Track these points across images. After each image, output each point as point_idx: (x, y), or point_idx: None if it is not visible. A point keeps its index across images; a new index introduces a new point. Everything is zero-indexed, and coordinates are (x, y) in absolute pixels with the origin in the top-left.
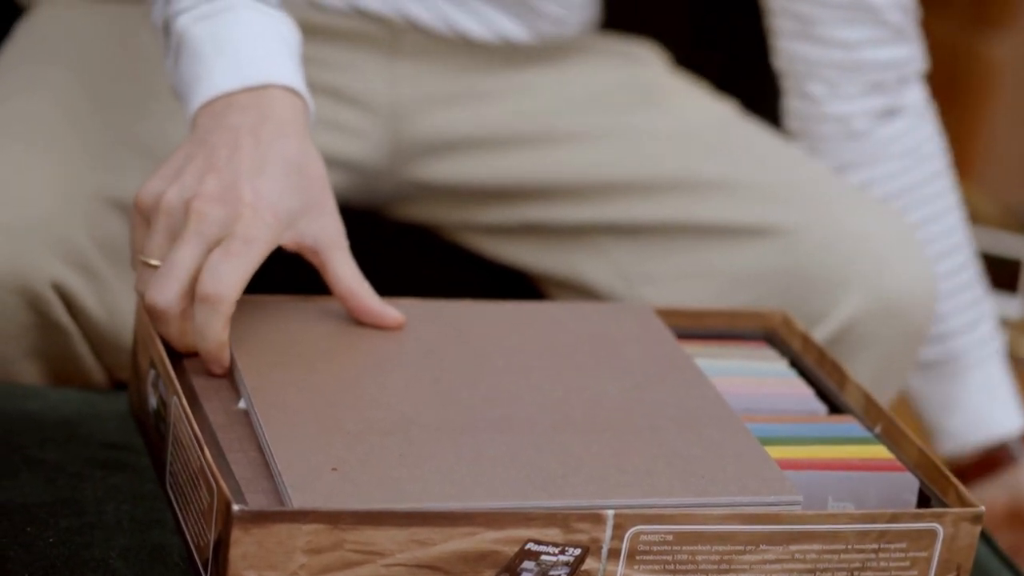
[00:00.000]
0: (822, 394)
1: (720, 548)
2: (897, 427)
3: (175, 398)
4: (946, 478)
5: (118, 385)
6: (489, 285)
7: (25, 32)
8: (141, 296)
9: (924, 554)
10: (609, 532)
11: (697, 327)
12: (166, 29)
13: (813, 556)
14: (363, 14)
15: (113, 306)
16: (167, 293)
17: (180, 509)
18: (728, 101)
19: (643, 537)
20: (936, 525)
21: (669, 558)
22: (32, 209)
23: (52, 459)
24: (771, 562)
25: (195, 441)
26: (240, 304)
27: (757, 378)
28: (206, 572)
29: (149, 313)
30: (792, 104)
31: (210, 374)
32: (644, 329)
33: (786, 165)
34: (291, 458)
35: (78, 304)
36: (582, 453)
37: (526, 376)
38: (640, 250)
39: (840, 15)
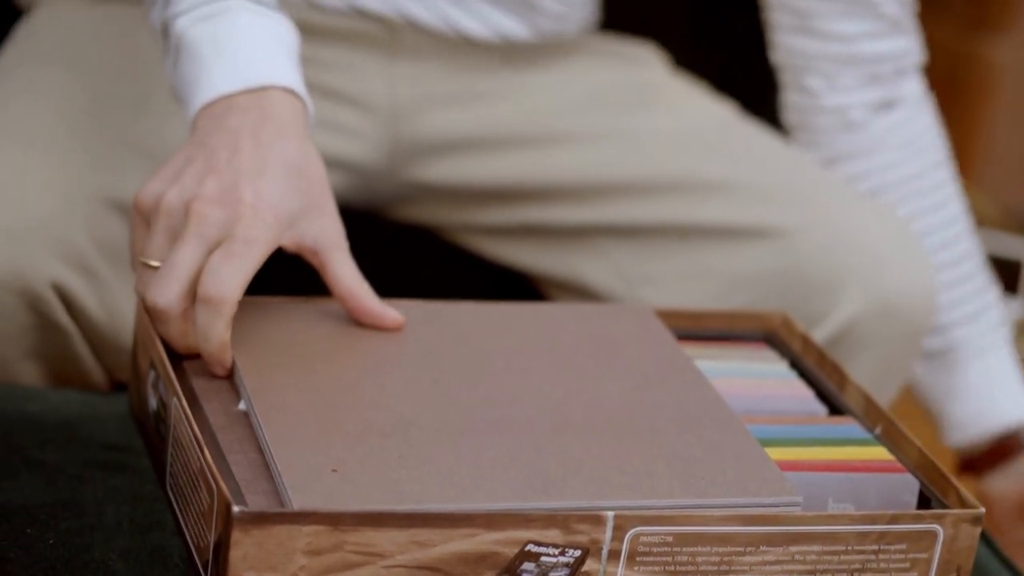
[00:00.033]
0: (822, 395)
1: (720, 549)
2: (897, 428)
3: (175, 399)
4: (946, 479)
5: (118, 386)
6: (489, 286)
7: (24, 34)
8: (141, 297)
9: (924, 555)
10: (609, 533)
11: (697, 328)
12: (165, 31)
13: (813, 557)
14: (362, 14)
15: (113, 307)
16: (168, 293)
17: (180, 510)
18: (727, 102)
19: (643, 538)
20: (936, 526)
21: (669, 559)
22: (32, 210)
23: (52, 460)
24: (771, 563)
25: (195, 442)
26: (240, 305)
27: (757, 379)
28: (206, 573)
29: (150, 314)
30: (790, 98)
31: (211, 375)
32: (644, 330)
33: (785, 166)
34: (291, 459)
35: (78, 305)
36: (582, 454)
37: (526, 377)
38: (639, 251)
39: (837, 8)
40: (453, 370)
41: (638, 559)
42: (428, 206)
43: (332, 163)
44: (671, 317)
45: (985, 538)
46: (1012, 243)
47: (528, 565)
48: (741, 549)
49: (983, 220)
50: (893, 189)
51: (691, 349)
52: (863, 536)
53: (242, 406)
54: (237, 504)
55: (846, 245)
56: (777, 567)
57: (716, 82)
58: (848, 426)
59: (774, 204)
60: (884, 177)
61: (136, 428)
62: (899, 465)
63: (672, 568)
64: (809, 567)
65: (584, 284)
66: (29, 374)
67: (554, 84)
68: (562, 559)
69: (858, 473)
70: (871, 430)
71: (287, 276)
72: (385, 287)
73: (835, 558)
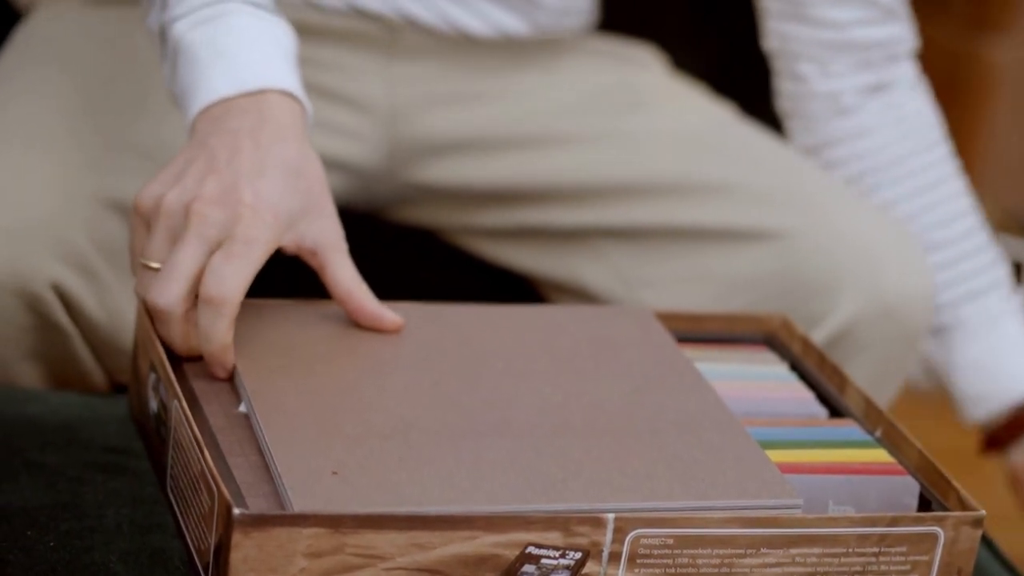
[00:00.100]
0: (822, 398)
1: (720, 552)
2: (898, 430)
3: (176, 402)
4: (947, 481)
5: (118, 388)
6: (488, 288)
7: (23, 36)
8: (142, 299)
9: (925, 558)
10: (610, 536)
11: (697, 331)
12: (162, 35)
13: (813, 560)
14: (361, 13)
15: (112, 307)
16: (169, 294)
17: (181, 513)
18: (726, 104)
19: (644, 541)
20: (937, 529)
21: (670, 561)
22: (31, 211)
23: (52, 463)
24: (771, 566)
25: (196, 444)
26: (240, 307)
27: (757, 382)
28: None
29: (151, 315)
30: (783, 85)
31: (211, 377)
32: (644, 333)
33: (784, 168)
34: (291, 462)
35: (77, 305)
36: (582, 457)
37: (526, 379)
38: (639, 253)
39: None
40: (453, 372)
41: (638, 561)
42: (427, 207)
43: (331, 164)
44: (671, 319)
45: (986, 540)
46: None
47: (528, 567)
48: (741, 551)
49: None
50: (884, 170)
51: (691, 351)
52: (864, 538)
53: (242, 408)
54: (238, 506)
55: (844, 247)
56: (777, 569)
57: (715, 83)
58: (848, 428)
59: (773, 206)
60: (875, 159)
61: (136, 430)
62: (899, 467)
63: (672, 570)
64: (809, 569)
65: (583, 286)
66: (29, 375)
67: (553, 85)
68: (563, 561)
69: (858, 475)
70: (871, 432)
71: (287, 278)
72: (384, 289)
73: (835, 560)
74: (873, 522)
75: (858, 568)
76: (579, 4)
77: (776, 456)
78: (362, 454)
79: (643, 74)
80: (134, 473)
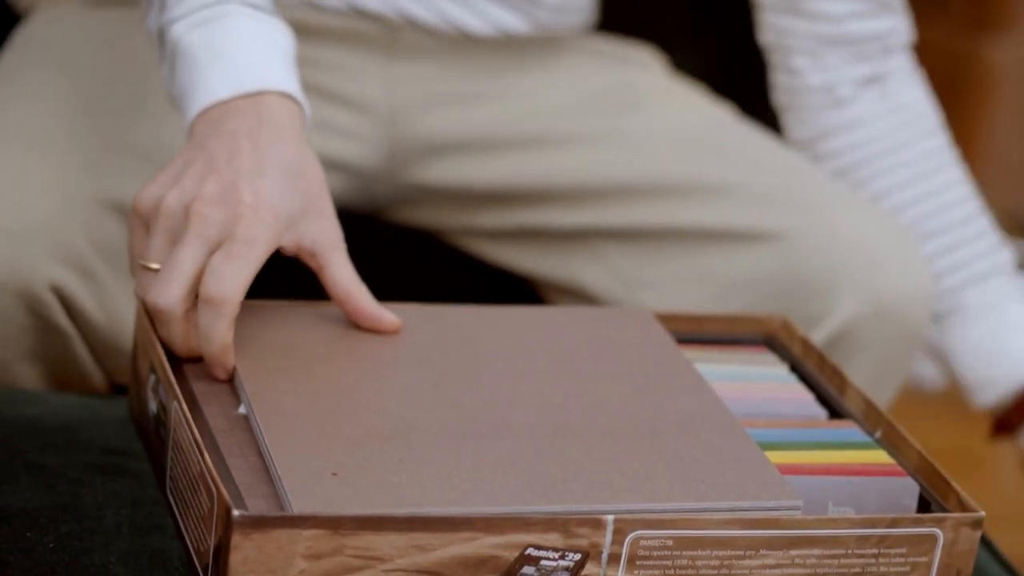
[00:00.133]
0: (822, 399)
1: (720, 553)
2: (897, 432)
3: (175, 403)
4: (946, 483)
5: (117, 389)
6: (488, 289)
7: (22, 38)
8: (142, 300)
9: (924, 559)
10: (609, 537)
11: (697, 332)
12: (161, 37)
13: (813, 561)
14: (361, 14)
15: (112, 309)
16: (169, 294)
17: (180, 514)
18: (726, 104)
19: (643, 542)
20: (936, 530)
21: (669, 563)
22: (31, 212)
23: (52, 464)
24: (771, 567)
25: (195, 446)
26: (240, 309)
27: (757, 383)
28: None
29: (151, 315)
30: (778, 79)
31: (211, 379)
32: (644, 334)
33: (783, 169)
34: (291, 463)
35: (77, 306)
36: (582, 458)
37: (526, 381)
38: (638, 254)
39: None
40: (453, 374)
41: (638, 563)
42: (427, 208)
43: (331, 165)
44: (671, 320)
45: (985, 541)
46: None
47: (528, 569)
48: (741, 553)
49: None
50: (878, 160)
51: (691, 352)
52: (863, 540)
53: (242, 410)
54: (237, 508)
55: (843, 247)
56: (777, 571)
57: (715, 84)
58: (848, 429)
59: (772, 206)
60: (869, 149)
61: (136, 432)
62: (899, 469)
63: (672, 571)
64: (809, 571)
65: (583, 287)
66: (28, 376)
67: (552, 85)
68: (562, 563)
69: (858, 477)
70: (871, 434)
71: (286, 280)
72: (384, 290)
73: (835, 562)
74: (873, 523)
75: (857, 569)
76: (578, 2)
77: (776, 457)
78: (362, 455)
79: (642, 74)
80: (134, 474)
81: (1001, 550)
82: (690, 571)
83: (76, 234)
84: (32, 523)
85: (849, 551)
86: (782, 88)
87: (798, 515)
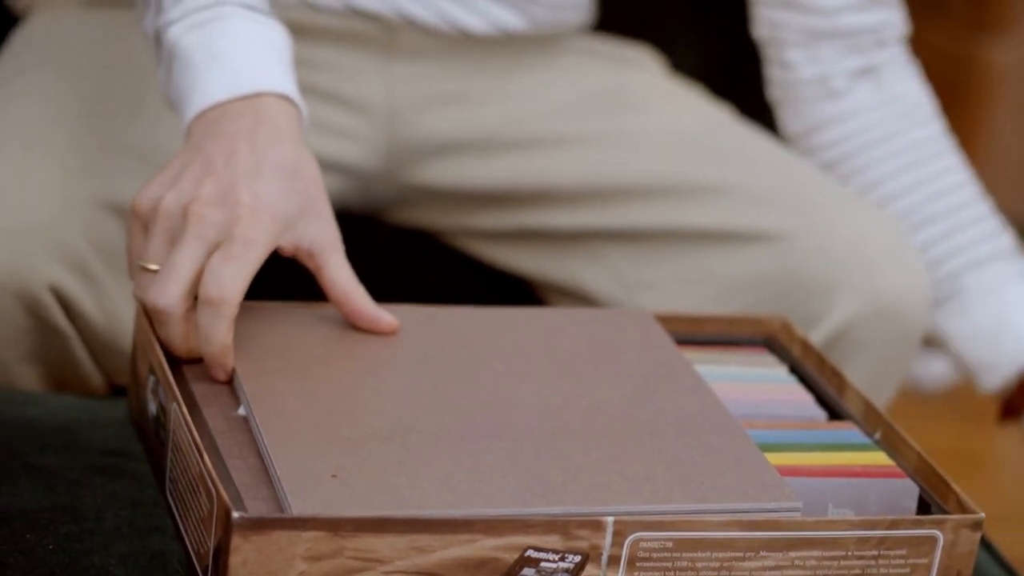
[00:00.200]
0: (822, 400)
1: (720, 555)
2: (897, 433)
3: (175, 404)
4: (946, 484)
5: (116, 390)
6: (488, 290)
7: (21, 40)
8: (141, 301)
9: (924, 560)
10: (609, 539)
11: (697, 333)
12: (157, 39)
13: (813, 563)
14: (359, 14)
15: (111, 310)
16: (168, 295)
17: (180, 516)
18: (724, 105)
19: (643, 544)
20: (936, 532)
21: (669, 564)
22: (30, 213)
23: (52, 465)
24: (771, 568)
25: (195, 447)
26: (239, 311)
27: (757, 384)
28: None
29: (151, 316)
30: (773, 73)
31: (210, 380)
32: (644, 335)
33: (781, 169)
34: (291, 465)
35: (76, 307)
36: (582, 460)
37: (525, 382)
38: (637, 255)
39: None
40: (452, 375)
41: (638, 564)
42: (427, 209)
43: (330, 166)
44: (670, 321)
45: (985, 543)
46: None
47: (528, 571)
48: (741, 554)
49: None
50: (872, 149)
51: (691, 353)
52: (863, 541)
53: (241, 411)
54: (237, 510)
55: (842, 248)
56: (777, 572)
57: (713, 85)
58: (848, 431)
59: (770, 207)
60: (863, 138)
61: (135, 433)
62: (899, 470)
63: (672, 573)
64: (809, 572)
65: (582, 288)
66: (27, 377)
67: (551, 86)
68: (562, 564)
69: (858, 478)
70: (871, 435)
71: (285, 281)
72: (384, 291)
73: (835, 563)
74: (872, 525)
75: (857, 571)
76: None
77: (775, 459)
78: (361, 457)
79: (641, 75)
80: (133, 476)
81: (1001, 551)
82: (690, 573)
83: (75, 235)
84: (32, 524)
85: (849, 553)
86: (776, 82)
87: (798, 517)
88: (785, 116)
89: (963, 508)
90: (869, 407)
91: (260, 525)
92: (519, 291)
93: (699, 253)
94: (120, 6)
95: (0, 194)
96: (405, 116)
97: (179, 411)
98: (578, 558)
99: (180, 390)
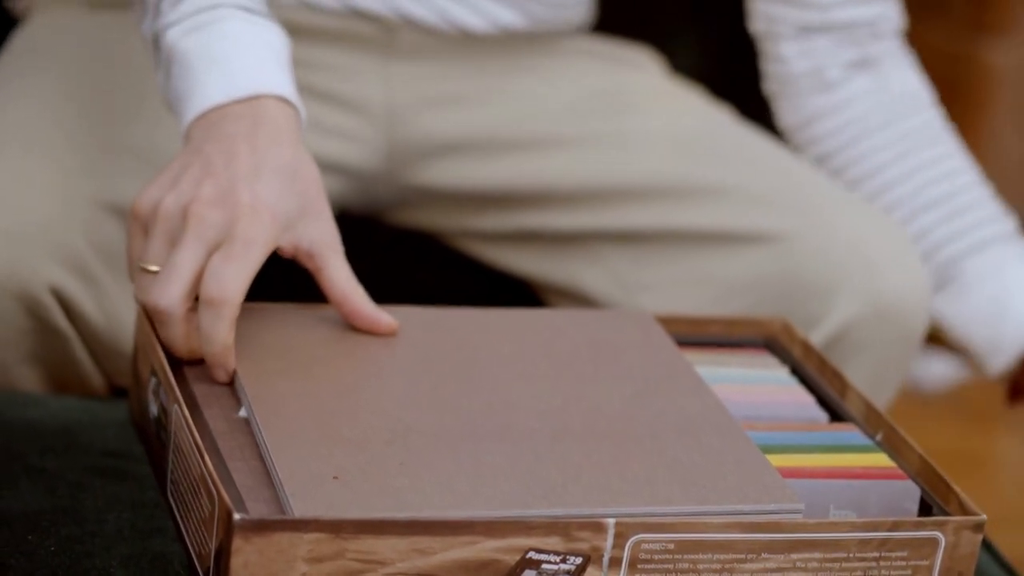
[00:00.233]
0: (823, 402)
1: (721, 556)
2: (898, 435)
3: (176, 406)
4: (948, 486)
5: (117, 391)
6: (488, 292)
7: (21, 41)
8: (141, 303)
9: (925, 562)
10: (610, 540)
11: (697, 334)
12: (155, 43)
13: (814, 564)
14: (359, 14)
15: (111, 311)
16: (169, 295)
17: (181, 517)
18: (724, 106)
19: (644, 545)
20: (937, 533)
21: (670, 566)
22: (30, 215)
23: (52, 467)
24: (772, 570)
25: (196, 449)
26: (239, 311)
27: (758, 385)
28: None
29: (152, 317)
30: (768, 67)
31: (211, 381)
32: (644, 336)
33: (781, 170)
34: (292, 466)
35: (76, 309)
36: (582, 461)
37: (526, 384)
38: (636, 257)
39: None
40: (454, 376)
41: (639, 566)
42: (426, 210)
43: (330, 167)
44: (671, 323)
45: (987, 544)
46: None
47: (529, 573)
48: (742, 556)
49: None
50: (868, 138)
51: (691, 355)
52: (864, 543)
53: (243, 413)
54: (238, 511)
55: (841, 249)
56: (778, 574)
57: (713, 86)
58: (849, 433)
59: (769, 209)
60: (859, 127)
61: (136, 434)
62: (900, 472)
63: (673, 575)
64: (810, 574)
65: (581, 290)
66: (28, 378)
67: (551, 87)
68: (563, 566)
69: (859, 480)
70: (872, 437)
71: (285, 283)
72: (383, 292)
73: (836, 565)
74: (874, 527)
75: (859, 573)
76: None
77: (777, 460)
78: (363, 459)
79: (640, 76)
80: (134, 477)
81: (1002, 552)
82: (691, 574)
83: (75, 236)
84: (33, 526)
85: (850, 555)
86: (771, 76)
87: (799, 518)
88: (781, 109)
89: (964, 510)
90: (870, 409)
91: (261, 527)
92: (520, 292)
93: (698, 254)
94: (120, 7)
95: (1, 195)
96: (404, 116)
97: (180, 412)
98: (579, 560)
99: (181, 391)
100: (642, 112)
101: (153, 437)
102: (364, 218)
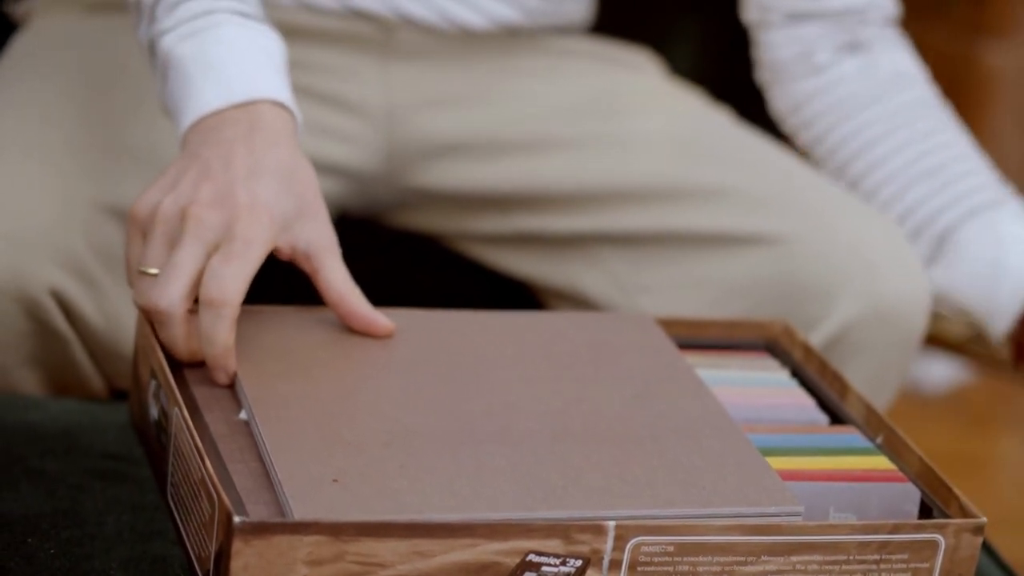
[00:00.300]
0: (823, 404)
1: (721, 559)
2: (899, 437)
3: (176, 408)
4: (948, 488)
5: (117, 394)
6: (488, 294)
7: (20, 46)
8: (141, 307)
9: (926, 565)
10: (610, 543)
11: (698, 337)
12: (152, 49)
13: (814, 567)
14: (357, 14)
15: (111, 313)
16: (168, 296)
17: (181, 520)
18: (723, 108)
19: (644, 548)
20: (938, 536)
21: (670, 569)
22: (30, 218)
23: (52, 470)
24: (772, 573)
25: (196, 452)
26: (239, 314)
27: (758, 388)
28: None
29: (152, 318)
30: (760, 56)
31: (212, 384)
32: (645, 339)
33: (780, 173)
34: (292, 469)
35: (76, 311)
36: (583, 464)
37: (526, 386)
38: (635, 259)
39: None
40: (454, 379)
41: (639, 569)
42: (426, 212)
43: (329, 169)
44: (671, 325)
45: (987, 547)
46: None
47: (529, 575)
48: (742, 559)
49: None
50: (858, 114)
51: (692, 357)
52: (864, 546)
53: (243, 415)
54: (238, 514)
55: (841, 251)
56: None
57: (713, 88)
58: (849, 435)
59: (769, 211)
60: (849, 105)
61: (136, 437)
62: (900, 474)
63: None
64: None
65: (581, 292)
66: (28, 381)
67: (549, 88)
68: (563, 569)
69: (859, 482)
70: (872, 439)
71: (285, 285)
72: (383, 294)
73: (836, 568)
74: (874, 529)
75: (859, 575)
76: None
77: (777, 463)
78: (363, 461)
79: (639, 78)
80: (134, 480)
81: (1002, 555)
82: None
83: (75, 239)
84: (33, 529)
85: (850, 557)
86: (764, 64)
87: (799, 521)
88: (772, 97)
89: (965, 512)
90: (871, 411)
91: (261, 529)
92: (519, 295)
93: (697, 257)
94: (118, 11)
95: (0, 199)
96: (403, 118)
97: (181, 415)
98: (579, 562)
99: (182, 394)
100: (641, 114)
101: (153, 440)
102: (363, 220)
